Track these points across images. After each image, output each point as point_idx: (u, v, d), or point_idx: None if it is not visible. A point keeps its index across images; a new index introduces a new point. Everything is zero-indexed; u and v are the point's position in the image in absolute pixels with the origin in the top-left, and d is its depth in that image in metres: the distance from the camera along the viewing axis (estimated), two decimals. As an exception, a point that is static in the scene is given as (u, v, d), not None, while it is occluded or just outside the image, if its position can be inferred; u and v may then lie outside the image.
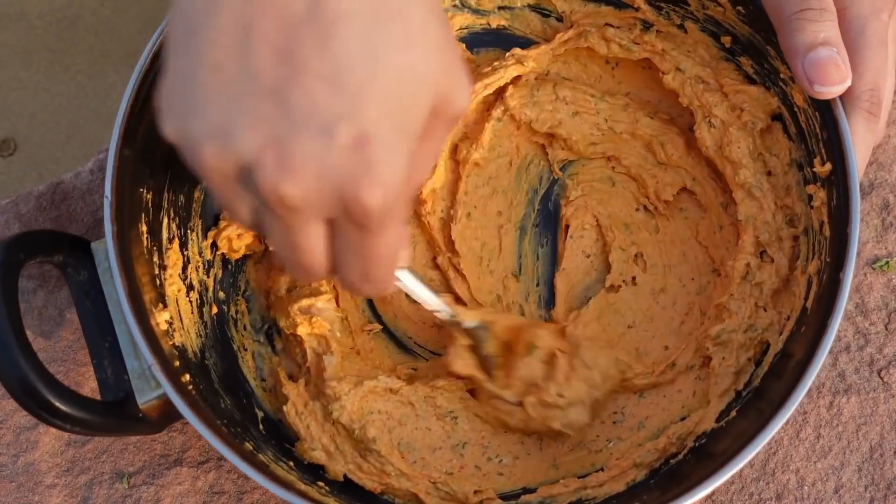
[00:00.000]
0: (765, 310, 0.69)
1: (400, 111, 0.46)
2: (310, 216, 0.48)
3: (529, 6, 0.80)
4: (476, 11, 0.81)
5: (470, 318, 0.70)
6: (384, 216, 0.48)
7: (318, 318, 0.72)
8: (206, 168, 0.47)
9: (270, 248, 0.59)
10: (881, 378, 0.73)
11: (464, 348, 0.71)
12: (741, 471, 0.71)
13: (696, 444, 0.67)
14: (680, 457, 0.67)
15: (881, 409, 0.73)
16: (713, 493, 0.71)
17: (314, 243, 0.50)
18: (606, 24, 0.77)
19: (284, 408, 0.70)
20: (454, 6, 0.80)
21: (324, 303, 0.72)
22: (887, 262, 0.76)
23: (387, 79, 0.46)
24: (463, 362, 0.71)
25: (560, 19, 0.80)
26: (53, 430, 0.75)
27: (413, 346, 0.76)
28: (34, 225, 0.82)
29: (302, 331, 0.72)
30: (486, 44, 0.81)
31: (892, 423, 0.72)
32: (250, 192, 0.48)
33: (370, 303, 0.77)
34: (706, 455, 0.65)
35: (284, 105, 0.45)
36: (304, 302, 0.72)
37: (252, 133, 0.45)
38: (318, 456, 0.68)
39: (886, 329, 0.75)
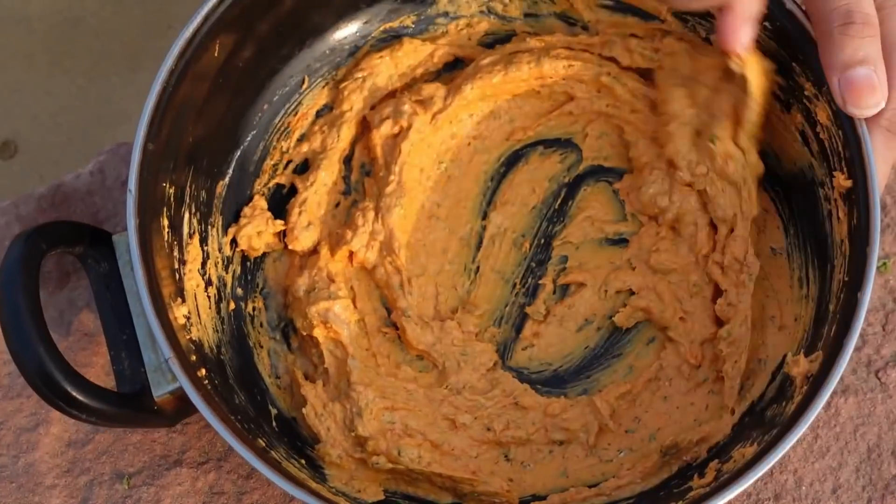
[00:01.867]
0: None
1: None
2: None
3: (556, 14, 0.80)
4: (502, 18, 0.81)
5: None
6: None
7: (333, 323, 0.72)
8: None
9: None
10: (878, 379, 0.73)
11: None
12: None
13: (709, 454, 0.67)
14: (694, 466, 0.67)
15: (879, 410, 0.73)
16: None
17: None
18: (631, 35, 0.78)
19: (304, 410, 0.70)
20: (481, 11, 0.81)
21: (341, 308, 0.72)
22: (885, 264, 0.76)
23: None
24: None
25: (586, 28, 0.80)
26: (54, 430, 0.76)
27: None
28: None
29: (318, 333, 0.72)
30: (511, 50, 0.82)
31: (889, 423, 0.72)
32: None
33: (386, 308, 0.77)
34: (718, 467, 0.65)
35: None
36: (322, 305, 0.72)
37: None
38: (338, 459, 0.69)
39: (884, 330, 0.75)
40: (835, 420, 0.73)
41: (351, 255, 0.76)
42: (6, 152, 1.54)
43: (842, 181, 0.65)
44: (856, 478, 0.71)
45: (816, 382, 0.60)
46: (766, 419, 0.65)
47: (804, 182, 0.71)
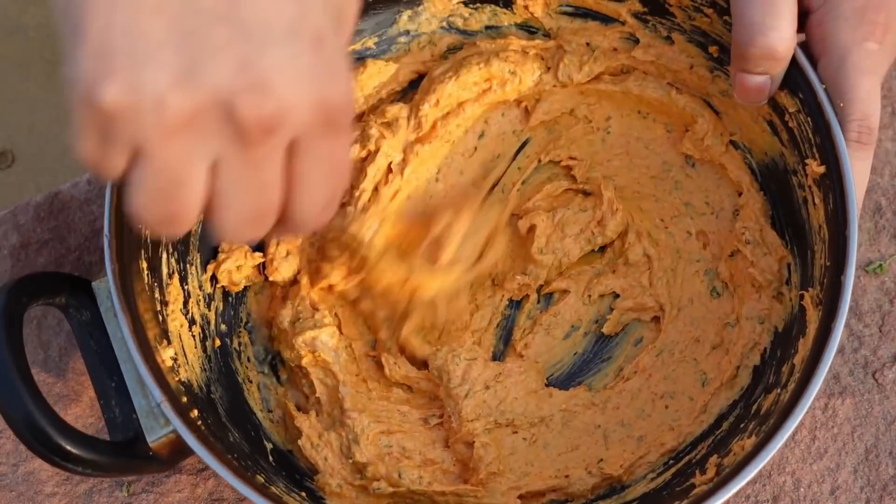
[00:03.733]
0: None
1: (332, 7, 0.48)
2: (282, 140, 0.46)
3: (516, 25, 0.80)
4: (463, 32, 0.81)
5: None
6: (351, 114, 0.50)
7: (321, 351, 0.71)
8: (171, 119, 0.43)
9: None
10: (875, 380, 0.74)
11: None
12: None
13: (709, 450, 0.68)
14: (694, 463, 0.68)
15: (876, 411, 0.73)
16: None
17: (275, 177, 0.48)
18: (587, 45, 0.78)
19: (299, 442, 0.70)
20: (441, 28, 0.81)
21: (328, 335, 0.72)
22: (880, 265, 0.77)
23: None
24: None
25: (548, 35, 0.80)
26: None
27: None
28: (32, 235, 0.82)
29: (307, 363, 0.72)
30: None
31: (886, 424, 0.73)
32: (216, 136, 0.45)
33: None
34: (719, 462, 0.65)
35: (240, 24, 0.43)
36: (309, 334, 0.72)
37: (219, 62, 0.43)
38: (338, 488, 0.68)
39: (880, 331, 0.75)
40: (832, 421, 0.73)
41: (331, 286, 0.75)
42: (3, 162, 1.53)
43: (815, 167, 0.66)
44: (854, 479, 0.72)
45: (809, 368, 0.61)
46: (762, 410, 0.65)
47: (777, 171, 0.72)
